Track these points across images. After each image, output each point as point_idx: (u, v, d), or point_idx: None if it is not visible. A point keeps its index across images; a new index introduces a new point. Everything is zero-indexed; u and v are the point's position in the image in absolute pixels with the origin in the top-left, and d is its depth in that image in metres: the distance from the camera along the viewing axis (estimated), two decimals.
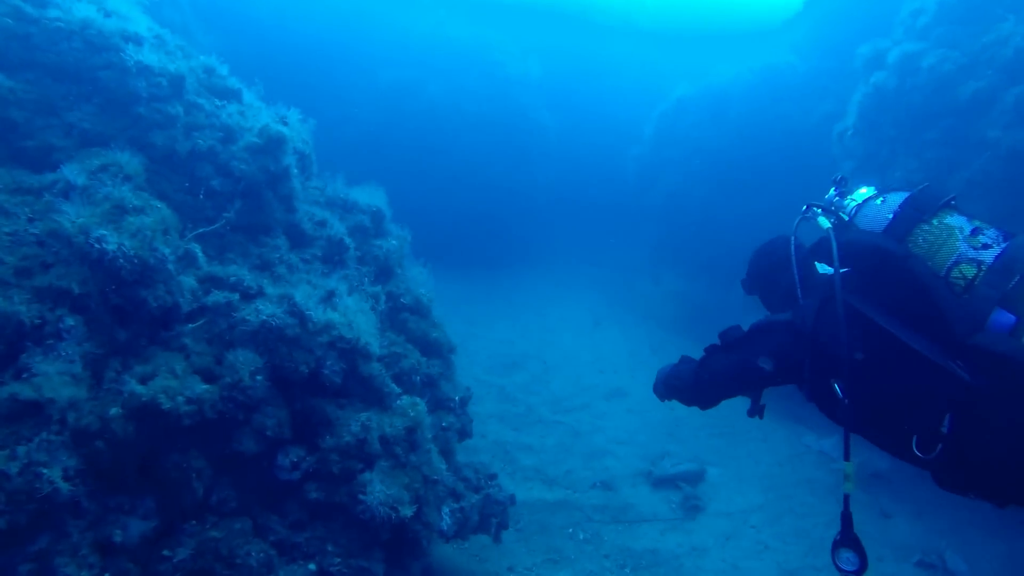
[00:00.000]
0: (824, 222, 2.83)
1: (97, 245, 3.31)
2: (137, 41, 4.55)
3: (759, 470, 8.89)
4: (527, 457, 8.60)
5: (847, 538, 2.42)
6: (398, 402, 4.56)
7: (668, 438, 9.54)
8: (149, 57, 4.43)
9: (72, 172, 3.65)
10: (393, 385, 4.62)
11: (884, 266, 2.42)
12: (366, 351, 4.30)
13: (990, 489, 2.21)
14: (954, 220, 2.43)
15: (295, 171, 4.93)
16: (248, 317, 3.87)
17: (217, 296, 3.94)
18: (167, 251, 3.65)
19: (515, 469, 8.33)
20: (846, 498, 2.40)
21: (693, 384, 2.91)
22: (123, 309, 3.52)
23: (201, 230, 4.21)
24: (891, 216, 2.52)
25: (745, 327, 2.81)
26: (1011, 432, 2.07)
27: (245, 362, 3.74)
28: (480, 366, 10.66)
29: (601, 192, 16.90)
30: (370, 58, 15.01)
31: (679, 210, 13.97)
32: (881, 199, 2.64)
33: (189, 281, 3.80)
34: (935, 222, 2.43)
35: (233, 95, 5.25)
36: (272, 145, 4.70)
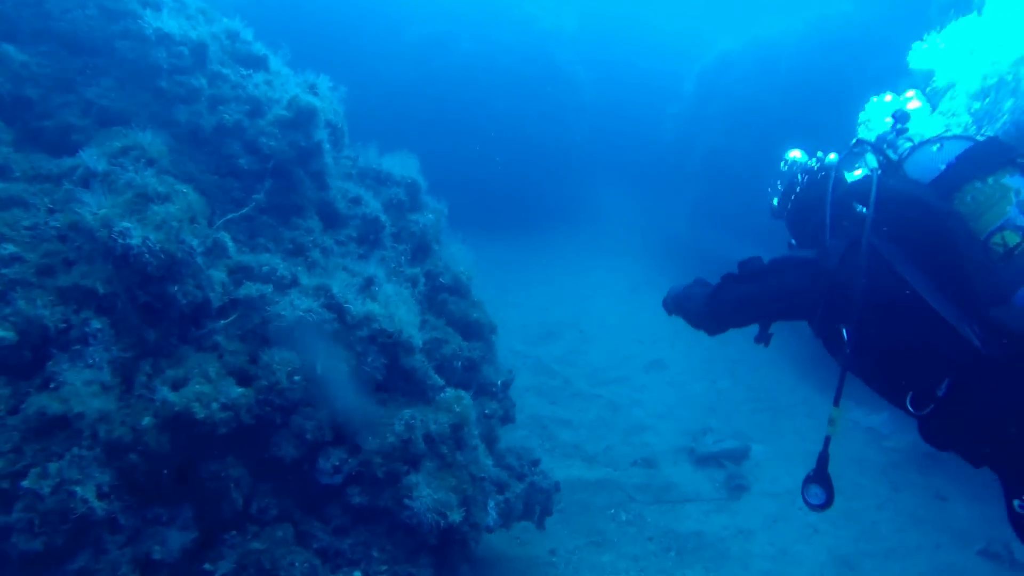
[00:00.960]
0: (871, 160, 2.69)
1: (121, 240, 3.04)
2: (156, 6, 4.20)
3: (805, 447, 8.55)
4: (566, 432, 8.40)
5: (819, 476, 2.53)
6: (442, 395, 4.30)
7: (709, 413, 9.24)
8: (169, 24, 4.08)
9: (92, 157, 3.36)
10: (436, 377, 4.36)
11: (920, 220, 2.31)
12: (408, 344, 4.03)
13: (970, 451, 2.26)
14: (1013, 181, 2.24)
15: (327, 145, 4.59)
16: (283, 312, 3.60)
17: (249, 288, 3.68)
18: (195, 242, 3.37)
19: (554, 445, 8.13)
20: (827, 440, 2.49)
21: (704, 308, 2.84)
22: (151, 307, 3.27)
23: (230, 216, 3.92)
24: (943, 167, 2.35)
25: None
26: (1006, 406, 2.07)
27: (282, 362, 3.50)
28: (516, 335, 10.39)
29: (638, 151, 16.21)
30: (397, 12, 14.36)
31: (720, 170, 13.30)
32: (938, 145, 2.45)
33: (219, 274, 3.53)
34: (991, 180, 2.25)
35: (259, 63, 4.88)
36: (302, 118, 4.35)
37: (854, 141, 2.83)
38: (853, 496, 7.58)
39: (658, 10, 16.97)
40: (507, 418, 5.82)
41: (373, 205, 5.08)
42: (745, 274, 2.71)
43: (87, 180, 3.32)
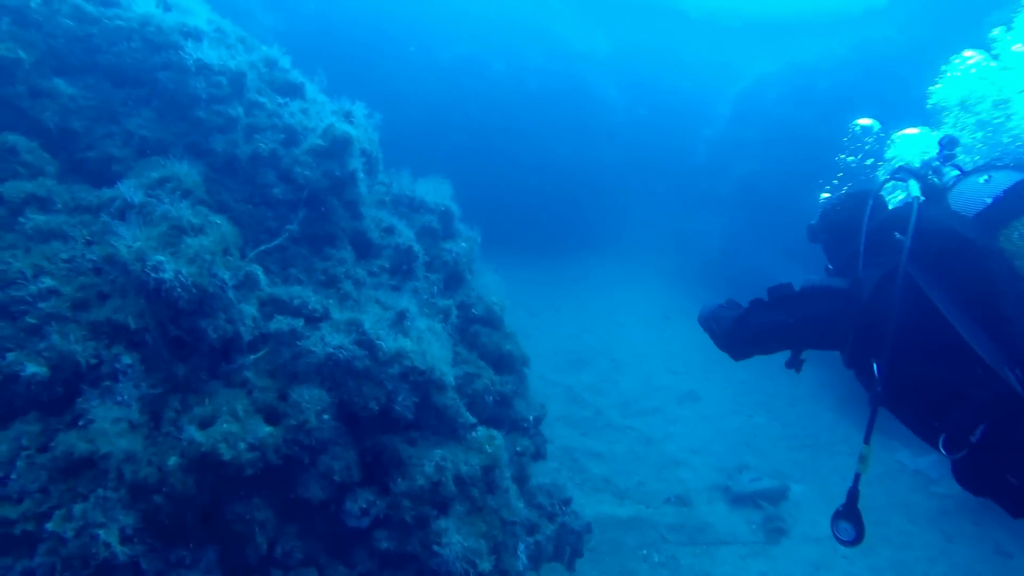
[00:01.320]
0: (914, 188, 2.55)
1: (154, 274, 2.99)
2: (197, 36, 4.20)
3: (847, 489, 8.15)
4: (596, 465, 8.17)
5: (849, 511, 2.46)
6: (473, 434, 4.16)
7: (745, 448, 8.91)
8: (209, 54, 4.08)
9: (129, 189, 3.34)
10: (467, 414, 4.21)
11: (961, 256, 2.20)
12: (440, 382, 3.90)
13: (1009, 500, 2.15)
14: None
15: (361, 174, 4.53)
16: (313, 348, 3.51)
17: (280, 323, 3.60)
18: (227, 276, 3.31)
19: (584, 479, 7.90)
20: (856, 476, 2.40)
21: (730, 333, 2.74)
22: (182, 341, 3.21)
23: (263, 247, 3.87)
24: (990, 200, 2.25)
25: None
26: None
27: (311, 400, 3.40)
28: (546, 362, 10.21)
29: (670, 174, 16.00)
30: (429, 34, 14.50)
31: (755, 194, 13.03)
32: (986, 176, 2.34)
33: (250, 308, 3.47)
34: None
35: (295, 90, 4.87)
36: (337, 148, 4.30)
37: (896, 166, 2.75)
38: (902, 545, 7.18)
39: (692, 32, 16.83)
40: (538, 455, 5.65)
41: (406, 235, 5.00)
42: (774, 300, 2.62)
43: (124, 212, 3.29)
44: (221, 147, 4.01)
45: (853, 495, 2.46)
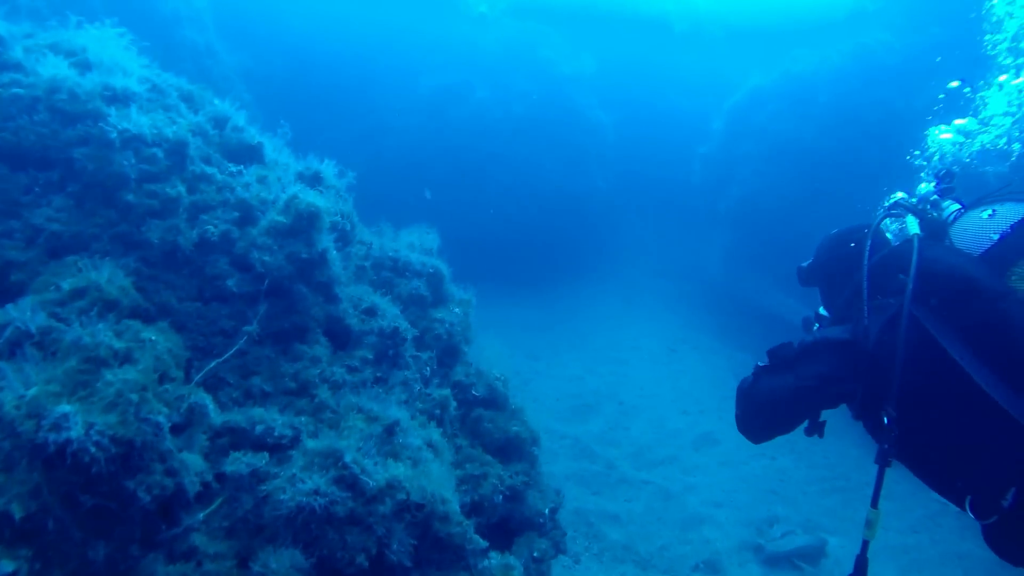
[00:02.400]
0: (912, 224, 2.39)
1: (54, 435, 2.22)
2: (124, 100, 3.47)
3: (890, 540, 7.46)
4: (613, 530, 7.40)
5: None
6: (485, 563, 3.40)
7: (772, 497, 8.19)
8: (139, 122, 3.34)
9: (23, 311, 2.57)
10: (478, 539, 3.45)
11: (971, 299, 2.03)
12: (444, 514, 3.14)
13: None
14: None
15: (334, 252, 3.79)
16: (282, 495, 2.75)
17: (239, 464, 2.84)
18: (162, 417, 2.55)
19: (602, 548, 7.14)
20: (864, 544, 2.18)
21: (740, 409, 2.53)
22: (102, 511, 2.44)
23: (213, 363, 3.10)
24: (996, 237, 2.09)
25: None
26: None
27: (282, 566, 2.63)
28: (549, 411, 9.47)
29: (665, 195, 15.43)
30: (409, 63, 13.88)
31: (756, 213, 12.45)
32: (990, 211, 2.17)
33: (195, 459, 2.69)
34: None
35: (252, 153, 4.13)
36: (303, 224, 3.56)
37: (890, 201, 2.59)
38: None
39: (680, 47, 16.31)
40: (558, 550, 4.89)
41: (390, 314, 4.26)
42: (776, 364, 2.40)
43: (17, 344, 2.52)
44: (158, 236, 3.26)
45: (861, 564, 2.15)
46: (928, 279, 2.10)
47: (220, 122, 4.16)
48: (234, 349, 3.23)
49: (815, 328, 2.79)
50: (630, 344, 11.70)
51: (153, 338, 2.85)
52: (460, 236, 13.59)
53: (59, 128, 3.20)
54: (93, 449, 2.31)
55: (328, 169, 4.45)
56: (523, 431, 4.93)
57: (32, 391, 2.32)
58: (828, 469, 8.72)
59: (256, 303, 3.49)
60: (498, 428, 4.70)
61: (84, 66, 3.55)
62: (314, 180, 4.33)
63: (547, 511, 4.82)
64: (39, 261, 2.97)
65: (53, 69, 3.26)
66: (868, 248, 2.37)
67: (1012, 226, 2.07)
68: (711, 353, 11.61)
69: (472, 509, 4.14)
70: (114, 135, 3.19)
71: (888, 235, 2.59)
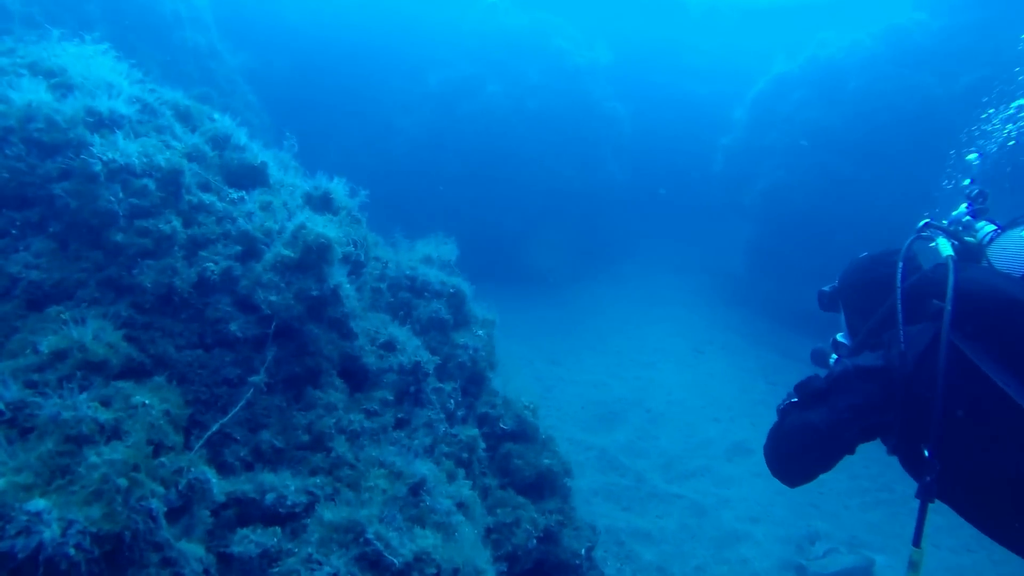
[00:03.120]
0: (944, 247, 2.29)
1: (23, 541, 1.90)
2: (111, 124, 3.11)
3: (942, 559, 7.04)
4: (646, 549, 7.04)
5: None
6: None
7: (812, 510, 7.79)
8: (128, 149, 2.98)
9: None
10: None
11: (1015, 323, 1.87)
12: None
13: None
14: None
15: (348, 287, 3.43)
16: None
17: (247, 544, 2.49)
18: (155, 501, 2.22)
19: (635, 570, 6.79)
20: None
21: (772, 451, 2.39)
22: None
23: (215, 427, 2.75)
24: None
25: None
26: None
27: None
28: (572, 420, 9.11)
29: (685, 188, 14.92)
30: (416, 58, 13.44)
31: (782, 206, 11.95)
32: None
33: (195, 549, 2.34)
34: None
35: (255, 174, 3.76)
36: (312, 258, 3.20)
37: (921, 223, 2.45)
38: None
39: (699, 32, 15.65)
40: None
41: (410, 346, 3.90)
42: (806, 398, 2.26)
43: None
44: (152, 279, 2.90)
45: None
46: (966, 302, 1.98)
47: (220, 141, 3.79)
48: (238, 407, 2.87)
49: (832, 359, 2.67)
50: (654, 346, 11.28)
51: (147, 402, 2.51)
52: (474, 234, 13.21)
53: (36, 161, 2.85)
54: (72, 552, 1.96)
55: (338, 188, 4.08)
56: (555, 464, 4.58)
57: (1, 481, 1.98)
58: (870, 480, 8.30)
59: (263, 348, 3.13)
60: (529, 464, 4.35)
61: (65, 87, 3.19)
62: (324, 202, 3.96)
63: (583, 551, 4.47)
64: (16, 315, 2.63)
65: (29, 94, 2.90)
66: (900, 273, 2.24)
67: None
68: (739, 354, 11.17)
69: (505, 558, 3.80)
70: (99, 167, 2.83)
71: (919, 260, 2.42)
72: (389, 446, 3.27)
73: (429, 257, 6.15)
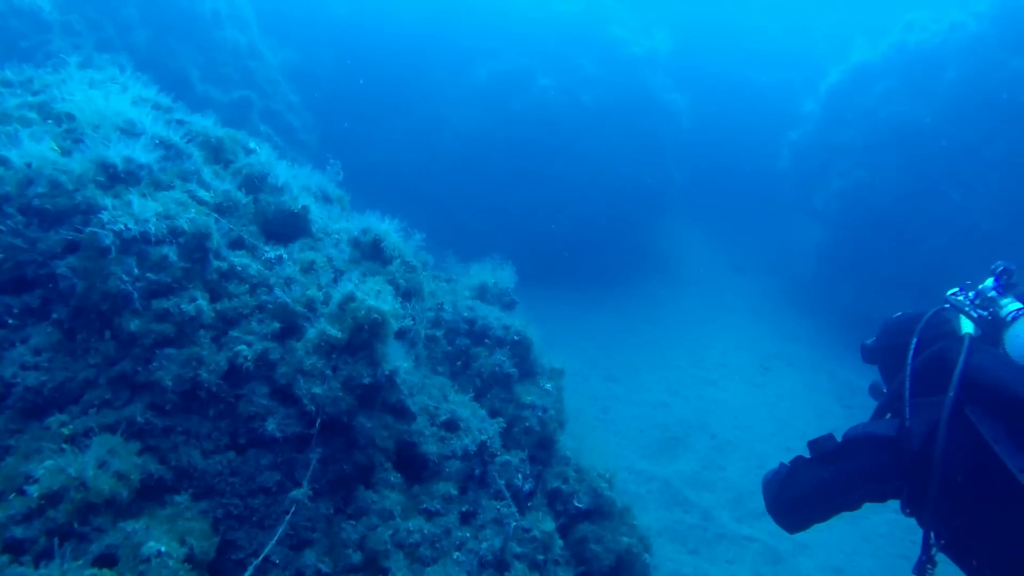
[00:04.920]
0: (966, 324, 2.30)
1: None
2: (127, 178, 2.60)
3: None
4: None
5: None
6: None
7: (902, 563, 7.00)
8: (144, 211, 2.47)
9: None
10: None
11: (1018, 418, 1.90)
12: None
13: None
14: None
15: (406, 365, 2.87)
16: None
17: None
18: None
19: None
20: None
21: (776, 499, 2.46)
22: None
23: (253, 567, 2.24)
24: None
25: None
26: None
27: None
28: (632, 445, 8.50)
29: (747, 187, 13.93)
30: (465, 48, 12.77)
31: (861, 208, 10.93)
32: None
33: None
34: None
35: (295, 223, 3.23)
36: (363, 336, 2.67)
37: (950, 292, 2.48)
38: None
39: (762, 11, 14.45)
40: None
41: (475, 423, 3.33)
42: (817, 457, 2.37)
43: None
44: (172, 373, 2.40)
45: None
46: (974, 387, 2.04)
47: (256, 181, 3.26)
48: (277, 537, 2.35)
49: (881, 395, 2.64)
50: (716, 359, 10.51)
51: (163, 549, 2.01)
52: (525, 236, 12.60)
53: (38, 234, 2.36)
54: None
55: (390, 233, 3.50)
56: (634, 543, 4.00)
57: None
58: None
59: (306, 448, 2.61)
60: (607, 549, 3.78)
61: (76, 134, 2.68)
62: (374, 249, 3.41)
63: None
64: (8, 431, 2.15)
65: (30, 152, 2.40)
66: (913, 347, 2.32)
67: None
68: (810, 370, 10.31)
69: None
70: (109, 240, 2.32)
71: (951, 325, 2.41)
72: (454, 566, 2.72)
73: (485, 286, 5.59)
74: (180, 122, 3.39)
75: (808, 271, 12.48)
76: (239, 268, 2.74)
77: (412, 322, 3.10)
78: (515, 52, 12.41)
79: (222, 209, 2.93)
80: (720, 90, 13.87)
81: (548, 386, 4.33)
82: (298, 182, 3.76)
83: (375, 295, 2.77)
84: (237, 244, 2.94)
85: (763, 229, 14.09)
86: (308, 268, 2.96)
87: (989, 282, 2.39)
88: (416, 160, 12.90)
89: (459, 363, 4.30)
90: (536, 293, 12.37)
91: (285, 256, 2.94)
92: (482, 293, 5.50)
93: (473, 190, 12.39)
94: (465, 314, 4.47)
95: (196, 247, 2.59)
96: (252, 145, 3.74)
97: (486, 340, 4.36)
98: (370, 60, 12.53)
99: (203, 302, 2.49)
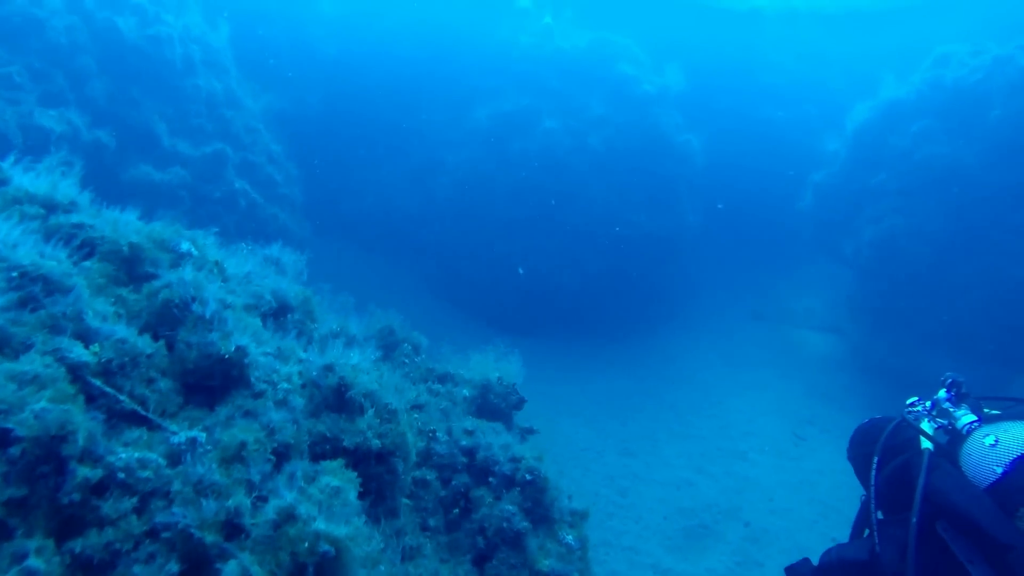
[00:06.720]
0: (927, 432, 2.32)
1: None
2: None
3: None
4: None
5: None
6: None
7: None
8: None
9: None
10: None
11: (980, 542, 1.95)
12: None
13: None
14: None
15: None
16: None
17: None
18: None
19: None
20: None
21: None
22: None
23: None
24: (1000, 472, 1.99)
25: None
26: None
27: None
28: (656, 535, 7.49)
29: (765, 230, 13.09)
30: (462, 88, 12.07)
31: (898, 257, 10.03)
32: (993, 438, 2.07)
33: None
34: None
35: (226, 370, 2.32)
36: None
37: (908, 403, 2.49)
38: None
39: (776, 45, 13.69)
40: None
41: None
42: None
43: None
44: None
45: None
46: (936, 507, 2.06)
47: (175, 312, 2.37)
48: None
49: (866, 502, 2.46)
50: (744, 428, 9.52)
51: None
52: (530, 288, 11.72)
53: None
54: None
55: (362, 370, 2.60)
56: None
57: None
58: None
59: None
60: None
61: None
62: (338, 399, 2.50)
63: None
64: None
65: None
66: (876, 463, 2.35)
67: (1014, 463, 1.96)
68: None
69: None
70: None
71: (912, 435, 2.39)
72: None
73: (489, 384, 4.73)
74: (77, 228, 2.53)
75: (836, 322, 11.55)
76: (122, 473, 1.82)
77: (383, 545, 2.16)
78: (517, 92, 11.68)
79: (112, 370, 2.04)
80: (735, 128, 13.10)
81: (570, 539, 3.41)
82: (242, 294, 2.88)
83: (327, 508, 1.85)
84: (132, 418, 2.04)
85: (782, 274, 13.19)
86: (235, 455, 2.05)
87: (942, 393, 2.40)
88: (411, 207, 12.10)
89: (456, 510, 3.39)
90: (544, 349, 11.45)
91: (201, 438, 2.03)
92: (485, 392, 4.63)
93: (473, 239, 11.55)
94: (463, 442, 3.58)
95: (44, 457, 1.68)
96: (185, 247, 2.87)
97: (490, 479, 3.46)
98: (362, 102, 11.82)
99: (38, 561, 1.57)
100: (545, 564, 3.15)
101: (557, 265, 11.48)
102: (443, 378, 4.61)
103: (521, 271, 10.48)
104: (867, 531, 2.32)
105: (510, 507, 3.24)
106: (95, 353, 1.99)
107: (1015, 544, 1.88)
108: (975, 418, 2.24)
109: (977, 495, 2.01)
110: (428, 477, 3.29)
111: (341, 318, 3.99)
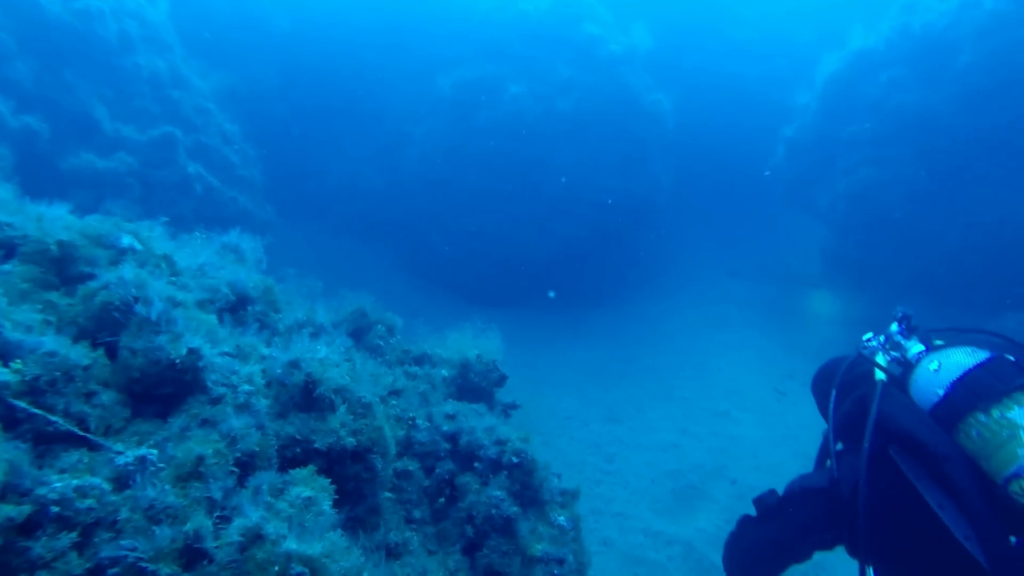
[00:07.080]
0: (881, 364, 2.42)
1: None
2: None
3: None
4: None
5: None
6: None
7: None
8: None
9: None
10: None
11: (927, 460, 2.05)
12: None
13: None
14: (1020, 415, 1.92)
15: None
16: None
17: None
18: None
19: None
20: None
21: (728, 564, 2.58)
22: None
23: None
24: (941, 393, 2.11)
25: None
26: None
27: None
28: (644, 499, 7.52)
29: (736, 186, 13.01)
30: (424, 57, 11.63)
31: (871, 208, 10.04)
32: (936, 364, 2.18)
33: None
34: (995, 414, 1.96)
35: (179, 376, 2.11)
36: None
37: (865, 338, 2.61)
38: None
39: (752, 4, 13.40)
40: None
41: None
42: (761, 514, 2.48)
43: None
44: None
45: None
46: (888, 433, 2.15)
47: (116, 316, 2.14)
48: None
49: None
50: (726, 386, 9.55)
51: None
52: (504, 259, 11.52)
53: None
54: None
55: (331, 363, 2.41)
56: None
57: None
58: None
59: None
60: None
61: None
62: (306, 397, 2.31)
63: None
64: None
65: None
66: (834, 397, 2.43)
67: (953, 383, 2.08)
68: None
69: None
70: None
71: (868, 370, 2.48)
72: None
73: (468, 363, 4.56)
74: None
75: (812, 276, 11.60)
76: (56, 507, 1.61)
77: (364, 558, 1.98)
78: (481, 58, 11.29)
79: (40, 388, 1.81)
80: (704, 86, 12.90)
81: (562, 520, 3.30)
82: (195, 289, 2.64)
83: (298, 524, 1.68)
84: (69, 440, 1.82)
85: (757, 230, 13.19)
86: (192, 471, 1.85)
87: (894, 327, 2.50)
88: (379, 183, 11.74)
89: (442, 499, 3.24)
90: (523, 320, 11.33)
91: (152, 455, 1.82)
92: (464, 371, 4.45)
93: (443, 212, 11.28)
94: (445, 427, 3.42)
95: None
96: (126, 242, 2.62)
97: (475, 464, 3.31)
98: (321, 76, 11.33)
99: None
100: (538, 548, 3.04)
101: (532, 234, 11.28)
102: (420, 359, 4.42)
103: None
104: (828, 461, 2.40)
105: (498, 492, 3.11)
106: (16, 371, 1.76)
107: (950, 455, 1.98)
108: (923, 348, 2.35)
109: (920, 415, 2.13)
110: (410, 467, 3.13)
111: (308, 305, 3.75)
